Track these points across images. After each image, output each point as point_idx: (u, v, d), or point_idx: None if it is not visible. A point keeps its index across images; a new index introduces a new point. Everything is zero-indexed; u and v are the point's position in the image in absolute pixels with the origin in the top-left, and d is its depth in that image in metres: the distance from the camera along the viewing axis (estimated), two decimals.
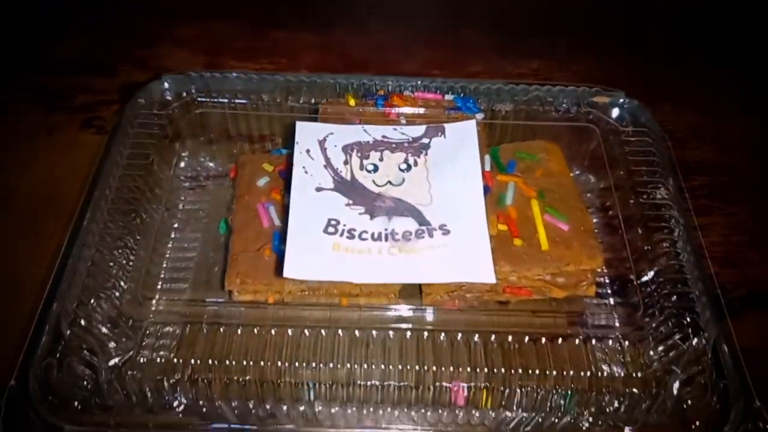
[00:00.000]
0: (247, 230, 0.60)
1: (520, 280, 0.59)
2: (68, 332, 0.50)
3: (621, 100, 0.65)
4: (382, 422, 0.49)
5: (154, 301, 0.52)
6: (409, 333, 0.50)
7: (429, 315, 0.52)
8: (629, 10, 1.00)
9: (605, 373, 0.50)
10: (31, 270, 0.62)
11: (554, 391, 0.49)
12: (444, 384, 0.48)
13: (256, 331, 0.49)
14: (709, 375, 0.49)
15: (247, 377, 0.48)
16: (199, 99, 0.67)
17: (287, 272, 0.50)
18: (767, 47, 0.94)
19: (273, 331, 0.49)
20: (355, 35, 0.93)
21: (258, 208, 0.61)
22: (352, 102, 0.65)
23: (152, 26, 0.93)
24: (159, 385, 0.48)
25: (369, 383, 0.48)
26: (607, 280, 0.63)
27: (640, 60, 0.92)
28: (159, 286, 0.60)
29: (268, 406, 0.48)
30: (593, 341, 0.51)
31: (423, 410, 0.49)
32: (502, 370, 0.48)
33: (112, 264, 0.53)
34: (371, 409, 0.48)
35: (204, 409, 0.49)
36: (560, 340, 0.50)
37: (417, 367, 0.48)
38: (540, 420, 0.49)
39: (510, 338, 0.49)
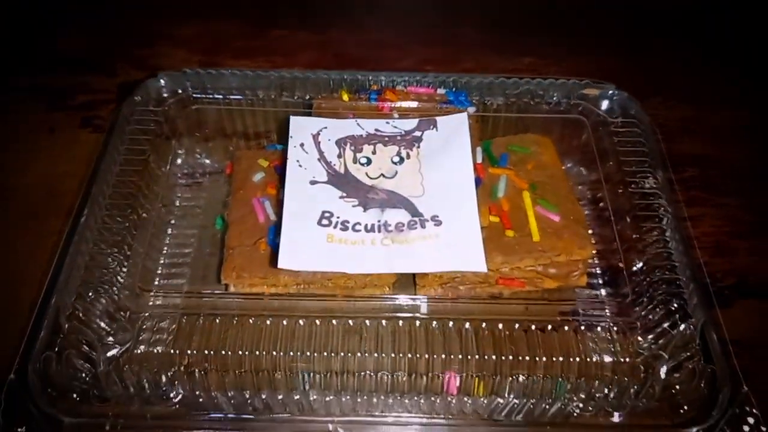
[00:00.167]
0: (243, 225, 0.61)
1: (512, 271, 0.60)
2: (66, 326, 0.50)
3: (610, 92, 0.66)
4: (376, 410, 0.50)
5: (151, 294, 0.53)
6: (401, 322, 0.50)
7: (422, 306, 0.53)
8: (623, 7, 1.01)
9: (595, 360, 0.50)
10: (31, 266, 0.63)
11: (544, 378, 0.49)
12: (436, 372, 0.48)
13: (251, 321, 0.50)
14: (697, 361, 0.50)
15: (243, 367, 0.48)
16: (195, 96, 0.67)
17: (281, 263, 0.51)
18: (760, 42, 0.95)
19: (268, 322, 0.50)
20: (352, 34, 0.94)
21: (254, 203, 0.62)
22: (345, 97, 0.65)
23: (151, 26, 0.94)
24: (156, 377, 0.49)
25: (362, 372, 0.49)
26: (598, 271, 0.64)
27: (634, 55, 0.93)
28: (156, 281, 0.60)
29: (263, 396, 0.49)
30: (583, 329, 0.52)
31: (416, 398, 0.49)
32: (493, 357, 0.49)
33: (110, 259, 0.54)
34: (365, 398, 0.49)
35: (200, 400, 0.50)
36: (550, 327, 0.51)
37: (409, 356, 0.49)
38: (531, 406, 0.50)
39: (500, 326, 0.50)
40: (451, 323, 0.50)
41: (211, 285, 0.60)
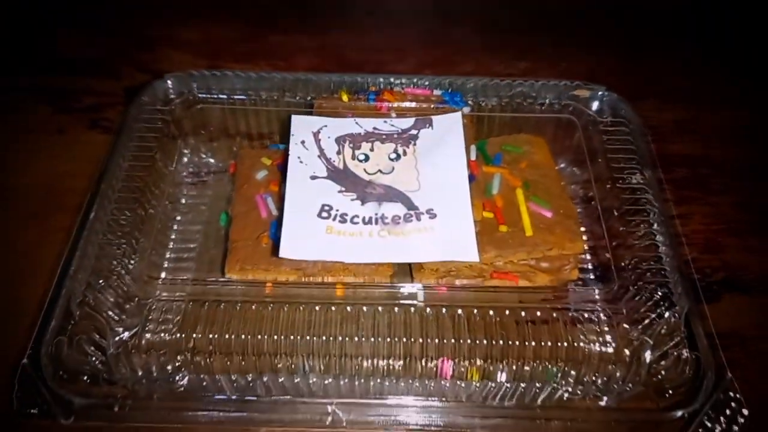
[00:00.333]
0: (246, 220, 0.63)
1: (506, 265, 0.62)
2: (77, 312, 0.52)
3: (600, 93, 0.68)
4: (372, 393, 0.52)
5: (158, 283, 0.55)
6: (396, 309, 0.52)
7: (418, 294, 0.55)
8: (621, 10, 1.03)
9: (583, 346, 0.52)
10: (41, 259, 0.65)
11: (534, 363, 0.51)
12: (430, 356, 0.51)
13: (254, 308, 0.52)
14: (682, 348, 0.52)
15: (246, 350, 0.51)
16: (200, 97, 0.70)
17: (283, 252, 0.54)
18: (757, 42, 0.98)
19: (270, 308, 0.52)
20: (351, 38, 0.97)
21: (257, 199, 0.64)
22: (345, 98, 0.68)
23: (155, 31, 0.97)
24: (163, 360, 0.51)
25: (359, 356, 0.51)
26: (590, 266, 0.66)
27: (628, 58, 0.95)
28: (163, 273, 0.63)
29: (265, 379, 0.51)
30: (572, 316, 0.54)
31: (411, 381, 0.52)
32: (484, 342, 0.51)
33: (118, 251, 0.56)
34: (362, 381, 0.51)
35: (205, 383, 0.52)
36: (539, 313, 0.53)
37: (404, 340, 0.51)
38: (522, 391, 0.52)
39: (492, 312, 0.52)
40: (444, 310, 0.52)
41: (216, 276, 0.62)
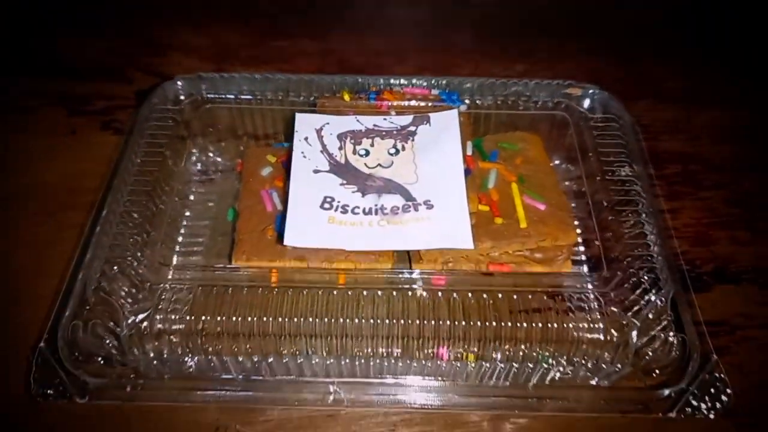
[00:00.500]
0: (252, 213, 0.66)
1: (501, 256, 0.64)
2: (92, 299, 0.55)
3: (591, 91, 0.71)
4: (372, 373, 0.55)
5: (169, 269, 0.58)
6: (395, 292, 0.55)
7: (417, 280, 0.58)
8: (612, 13, 1.06)
9: (573, 329, 0.54)
10: (55, 252, 0.68)
11: (527, 346, 0.54)
12: (427, 336, 0.53)
13: (259, 292, 0.55)
14: (669, 331, 0.54)
15: (252, 331, 0.53)
16: (208, 97, 0.73)
17: (287, 240, 0.56)
18: (745, 43, 1.01)
19: (275, 292, 0.55)
20: (352, 43, 1.00)
21: (262, 194, 0.67)
22: (347, 97, 0.71)
23: (164, 38, 1.00)
24: (173, 342, 0.54)
25: (359, 336, 0.53)
26: (583, 258, 0.68)
27: (622, 60, 0.98)
28: (173, 262, 0.66)
29: (270, 359, 0.54)
30: (563, 300, 0.57)
31: (409, 362, 0.54)
32: (478, 323, 0.53)
33: (131, 239, 0.59)
34: (362, 361, 0.54)
35: (213, 364, 0.55)
36: (531, 297, 0.55)
37: (402, 322, 0.54)
38: (516, 371, 0.54)
39: (485, 296, 0.55)
40: (440, 294, 0.55)
41: (223, 263, 0.64)
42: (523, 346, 0.54)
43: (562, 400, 0.54)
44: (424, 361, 0.54)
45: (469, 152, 0.66)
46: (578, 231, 0.68)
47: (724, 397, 0.52)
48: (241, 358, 0.54)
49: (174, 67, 0.94)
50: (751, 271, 0.71)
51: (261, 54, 0.98)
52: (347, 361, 0.54)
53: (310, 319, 0.53)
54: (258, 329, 0.53)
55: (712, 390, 0.53)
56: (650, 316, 0.55)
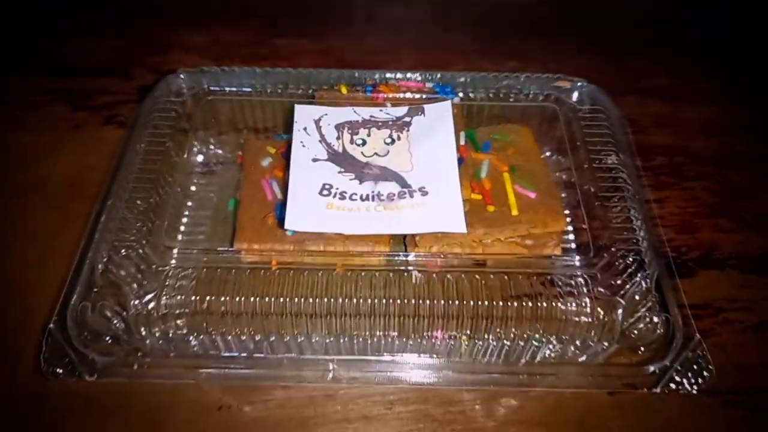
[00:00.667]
0: (253, 201, 0.67)
1: (494, 243, 0.67)
2: (100, 282, 0.57)
3: (580, 84, 0.73)
4: (370, 351, 0.57)
5: (174, 252, 0.60)
6: (392, 274, 0.57)
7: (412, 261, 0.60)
8: (603, 11, 1.10)
9: (562, 308, 0.57)
10: (62, 241, 0.70)
11: (517, 325, 0.56)
12: (422, 315, 0.55)
13: (261, 273, 0.57)
14: (654, 310, 0.57)
15: (254, 312, 0.55)
16: (210, 90, 0.75)
17: (288, 224, 0.59)
18: (736, 42, 1.04)
19: (276, 273, 0.57)
20: (350, 42, 1.02)
21: (262, 183, 0.69)
22: (344, 90, 0.73)
23: (165, 36, 1.02)
24: (178, 322, 0.56)
25: (358, 316, 0.56)
26: (573, 246, 0.70)
27: (612, 57, 1.01)
28: (178, 245, 0.68)
29: (272, 338, 0.56)
30: (553, 282, 0.59)
31: (405, 340, 0.56)
32: (471, 303, 0.56)
33: (137, 223, 0.61)
34: (360, 340, 0.56)
35: (216, 343, 0.57)
36: (521, 278, 0.58)
37: (399, 301, 0.56)
38: (507, 349, 0.57)
39: (477, 276, 0.57)
40: (434, 275, 0.57)
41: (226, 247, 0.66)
42: (514, 326, 0.56)
43: (552, 376, 0.56)
44: (419, 340, 0.56)
45: (462, 142, 0.69)
46: (568, 219, 0.70)
47: (706, 373, 0.55)
48: (243, 337, 0.56)
49: (174, 65, 0.95)
50: (735, 257, 0.73)
51: (260, 52, 1.00)
52: (346, 339, 0.56)
53: (311, 300, 0.55)
54: (260, 309, 0.55)
55: (695, 366, 0.55)
56: (636, 297, 0.57)
